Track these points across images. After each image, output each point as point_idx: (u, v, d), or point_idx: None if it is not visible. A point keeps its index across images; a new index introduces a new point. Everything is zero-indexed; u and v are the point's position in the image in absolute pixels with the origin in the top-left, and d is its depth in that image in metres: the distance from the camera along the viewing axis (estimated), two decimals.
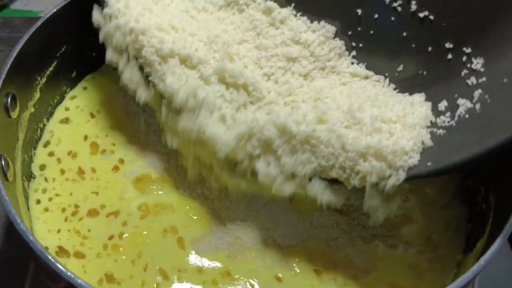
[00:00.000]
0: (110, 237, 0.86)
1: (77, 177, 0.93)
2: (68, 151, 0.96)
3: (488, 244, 0.79)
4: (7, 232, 1.01)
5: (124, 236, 0.86)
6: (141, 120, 1.01)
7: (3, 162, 0.81)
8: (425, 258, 0.88)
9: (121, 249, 0.85)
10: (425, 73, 0.83)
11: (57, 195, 0.91)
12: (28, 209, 0.88)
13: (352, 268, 0.86)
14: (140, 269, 0.83)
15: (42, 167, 0.94)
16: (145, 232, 0.87)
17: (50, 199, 0.91)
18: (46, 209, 0.89)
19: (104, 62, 0.92)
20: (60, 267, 0.68)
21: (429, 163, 0.75)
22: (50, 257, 0.69)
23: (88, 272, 0.82)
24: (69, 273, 0.68)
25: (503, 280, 1.01)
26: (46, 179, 0.93)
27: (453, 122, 0.78)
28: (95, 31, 1.02)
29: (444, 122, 0.78)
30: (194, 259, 0.85)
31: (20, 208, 0.83)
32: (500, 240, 0.75)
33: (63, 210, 0.89)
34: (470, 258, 0.85)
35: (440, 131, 0.78)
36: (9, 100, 0.85)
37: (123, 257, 0.84)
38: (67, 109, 1.02)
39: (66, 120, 1.00)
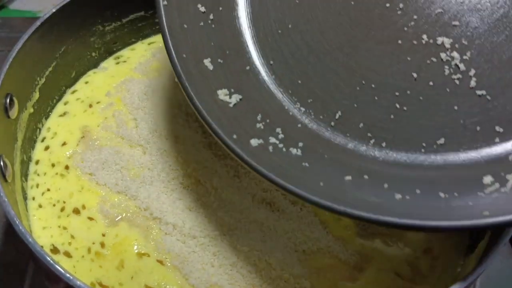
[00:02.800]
0: (93, 243, 0.85)
1: (65, 172, 0.92)
2: (61, 143, 0.96)
3: (489, 245, 0.79)
4: (6, 233, 1.01)
5: (105, 245, 0.85)
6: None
7: (1, 163, 0.81)
8: (423, 263, 0.87)
9: (104, 256, 0.84)
10: (466, 149, 0.76)
11: (48, 190, 0.91)
12: (27, 209, 0.88)
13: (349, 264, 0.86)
14: (127, 277, 0.82)
15: (37, 162, 0.94)
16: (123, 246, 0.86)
17: (42, 194, 0.90)
18: (40, 205, 0.89)
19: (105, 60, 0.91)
20: (59, 268, 0.68)
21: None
22: (49, 259, 0.69)
23: (79, 274, 0.82)
24: (67, 275, 0.68)
25: (504, 281, 1.00)
26: (38, 174, 0.92)
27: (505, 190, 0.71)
28: (95, 31, 1.04)
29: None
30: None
31: (19, 208, 0.83)
32: (501, 241, 0.75)
33: (54, 205, 0.89)
34: (472, 259, 0.84)
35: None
36: (8, 100, 0.85)
37: (107, 264, 0.84)
38: (66, 103, 1.02)
39: (64, 114, 1.00)
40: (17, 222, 0.72)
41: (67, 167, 0.93)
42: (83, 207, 0.88)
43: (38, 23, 0.91)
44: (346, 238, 0.88)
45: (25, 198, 0.89)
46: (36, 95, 0.95)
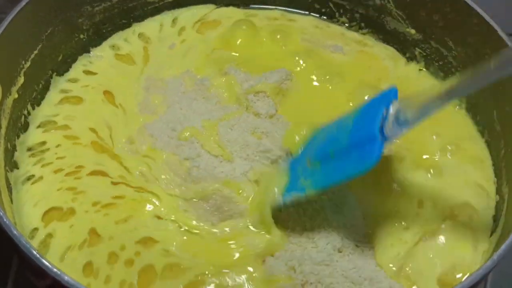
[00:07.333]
0: (104, 197, 0.85)
1: (91, 146, 0.91)
2: (89, 128, 0.93)
3: (501, 239, 0.77)
4: None
5: (118, 200, 0.85)
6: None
7: None
8: None
9: (110, 209, 0.84)
10: None
11: (58, 158, 0.89)
12: (12, 201, 0.84)
13: None
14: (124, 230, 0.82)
15: (42, 144, 0.91)
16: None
17: (44, 165, 0.88)
18: (37, 180, 0.87)
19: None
20: (46, 263, 0.66)
21: None
22: (35, 252, 0.67)
23: (75, 232, 0.81)
24: (55, 270, 0.65)
25: None
26: (43, 151, 0.90)
27: None
28: (83, 11, 1.00)
29: None
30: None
31: (3, 199, 0.79)
32: None
33: (56, 171, 0.87)
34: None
35: None
36: None
37: (110, 215, 0.83)
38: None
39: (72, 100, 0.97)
40: (1, 213, 0.70)
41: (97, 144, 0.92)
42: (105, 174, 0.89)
43: (23, 3, 0.88)
44: None
45: (9, 189, 0.85)
46: (21, 80, 0.91)
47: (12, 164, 0.88)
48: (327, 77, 1.02)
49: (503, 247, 0.72)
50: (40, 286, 0.75)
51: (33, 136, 0.92)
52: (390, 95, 0.76)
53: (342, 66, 1.04)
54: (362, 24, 1.11)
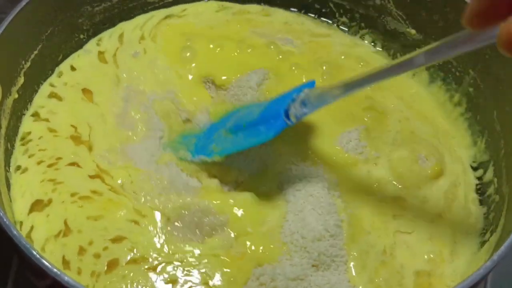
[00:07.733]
0: (82, 189, 0.85)
1: (70, 139, 0.90)
2: (70, 124, 0.92)
3: (501, 239, 0.77)
4: None
5: (94, 195, 0.84)
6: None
7: None
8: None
9: (92, 200, 0.84)
10: None
11: (40, 150, 0.89)
12: (11, 200, 0.84)
13: None
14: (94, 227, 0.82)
15: (28, 134, 0.91)
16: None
17: (33, 155, 0.88)
18: (23, 170, 0.87)
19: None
20: (46, 263, 0.66)
21: None
22: (35, 253, 0.66)
23: (50, 222, 0.81)
24: (55, 270, 0.65)
25: None
26: (28, 141, 0.90)
27: None
28: (83, 11, 1.00)
29: None
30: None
31: (3, 200, 0.79)
32: None
33: (39, 163, 0.87)
34: (483, 253, 0.82)
35: None
36: None
37: (84, 208, 0.83)
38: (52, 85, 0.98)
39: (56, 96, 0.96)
40: (1, 214, 0.69)
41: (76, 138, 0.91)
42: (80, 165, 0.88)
43: (23, 3, 0.88)
44: None
45: (8, 189, 0.85)
46: (21, 80, 0.91)
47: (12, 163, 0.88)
48: None
49: (503, 247, 0.71)
50: (40, 286, 0.74)
51: (25, 124, 0.92)
52: (306, 86, 0.85)
53: (288, 54, 1.05)
54: (362, 24, 1.11)
